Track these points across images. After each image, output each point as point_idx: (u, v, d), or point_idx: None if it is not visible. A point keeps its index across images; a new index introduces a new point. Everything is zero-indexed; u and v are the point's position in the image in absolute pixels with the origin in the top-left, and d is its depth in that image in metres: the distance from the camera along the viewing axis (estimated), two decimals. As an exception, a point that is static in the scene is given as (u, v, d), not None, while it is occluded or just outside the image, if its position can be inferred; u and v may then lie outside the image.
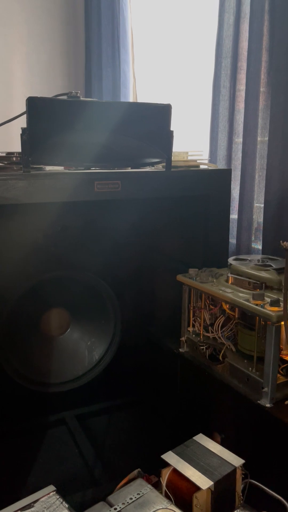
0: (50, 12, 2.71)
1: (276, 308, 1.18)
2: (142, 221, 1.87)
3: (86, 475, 1.60)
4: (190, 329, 1.56)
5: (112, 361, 2.01)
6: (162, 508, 0.82)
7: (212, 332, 1.47)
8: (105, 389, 2.01)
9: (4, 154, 1.58)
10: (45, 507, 0.87)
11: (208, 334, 1.49)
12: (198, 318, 1.52)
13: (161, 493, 1.02)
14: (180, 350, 1.59)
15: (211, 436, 1.26)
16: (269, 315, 1.17)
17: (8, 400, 1.81)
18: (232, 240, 1.89)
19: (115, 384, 2.02)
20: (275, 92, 1.65)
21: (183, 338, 1.58)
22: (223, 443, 1.23)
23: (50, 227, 1.76)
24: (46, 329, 1.98)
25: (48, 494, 0.91)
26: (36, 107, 1.35)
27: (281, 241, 1.02)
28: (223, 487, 1.00)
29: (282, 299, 1.17)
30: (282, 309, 1.18)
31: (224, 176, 1.68)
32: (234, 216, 1.89)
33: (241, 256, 1.60)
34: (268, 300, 1.22)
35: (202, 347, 1.49)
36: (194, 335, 1.54)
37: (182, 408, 1.61)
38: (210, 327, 1.48)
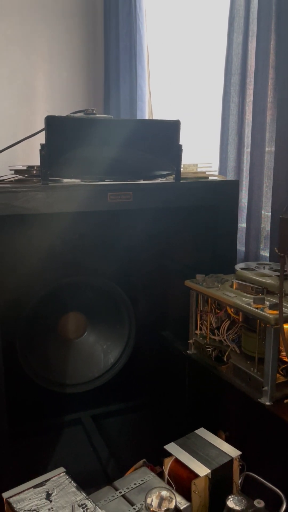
0: (71, 32, 2.84)
1: (275, 312, 1.25)
2: (154, 230, 1.95)
3: (100, 471, 1.67)
4: (198, 332, 1.63)
5: (126, 363, 2.09)
6: (157, 487, 0.90)
7: (218, 335, 1.54)
8: (119, 391, 2.08)
9: (25, 168, 1.69)
10: (55, 486, 0.97)
11: (214, 337, 1.56)
12: (205, 322, 1.60)
13: (163, 480, 1.10)
14: (188, 352, 1.66)
15: (216, 433, 1.33)
16: (268, 318, 1.25)
17: (27, 400, 1.89)
18: (241, 248, 1.96)
19: (129, 386, 2.09)
20: (280, 107, 1.73)
21: (191, 341, 1.65)
22: (227, 440, 1.30)
23: (67, 235, 1.84)
24: (63, 332, 2.06)
25: (59, 474, 1.01)
26: (53, 125, 1.45)
27: (275, 248, 1.10)
28: (220, 476, 1.07)
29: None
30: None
31: (231, 186, 1.75)
32: (243, 224, 1.96)
33: (248, 263, 1.67)
34: (268, 304, 1.30)
35: (208, 349, 1.56)
36: (201, 338, 1.62)
37: (190, 406, 1.68)
38: (216, 330, 1.56)
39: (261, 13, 1.77)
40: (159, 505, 0.86)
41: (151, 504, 0.86)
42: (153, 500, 0.87)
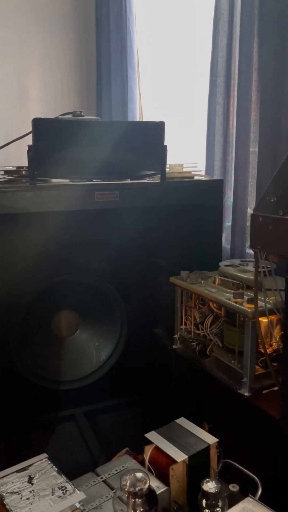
0: (65, 34, 2.89)
1: (253, 306, 1.30)
2: (143, 228, 1.99)
3: (92, 466, 1.71)
4: (183, 327, 1.68)
5: (118, 360, 2.13)
6: (133, 469, 0.95)
7: (202, 330, 1.59)
8: (112, 387, 2.11)
9: (14, 168, 1.73)
10: (37, 470, 1.02)
11: (198, 332, 1.61)
12: (189, 317, 1.65)
13: (144, 467, 1.15)
14: (174, 346, 1.71)
15: (200, 425, 1.38)
16: (246, 312, 1.30)
17: (21, 397, 1.92)
18: (227, 246, 2.00)
19: (122, 383, 2.13)
20: (263, 108, 1.78)
21: (176, 336, 1.70)
22: (210, 430, 1.34)
23: (60, 234, 1.88)
24: (56, 330, 2.09)
25: (41, 460, 1.06)
26: (40, 127, 1.50)
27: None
28: (198, 462, 1.12)
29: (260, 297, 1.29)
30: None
31: (216, 186, 1.80)
32: (229, 223, 2.01)
33: (232, 261, 1.72)
34: (247, 298, 1.34)
35: (192, 343, 1.61)
36: (186, 333, 1.67)
37: (176, 399, 1.72)
38: (200, 325, 1.60)
39: (244, 17, 1.81)
40: (133, 486, 0.91)
41: (125, 485, 0.91)
42: (128, 482, 0.91)
